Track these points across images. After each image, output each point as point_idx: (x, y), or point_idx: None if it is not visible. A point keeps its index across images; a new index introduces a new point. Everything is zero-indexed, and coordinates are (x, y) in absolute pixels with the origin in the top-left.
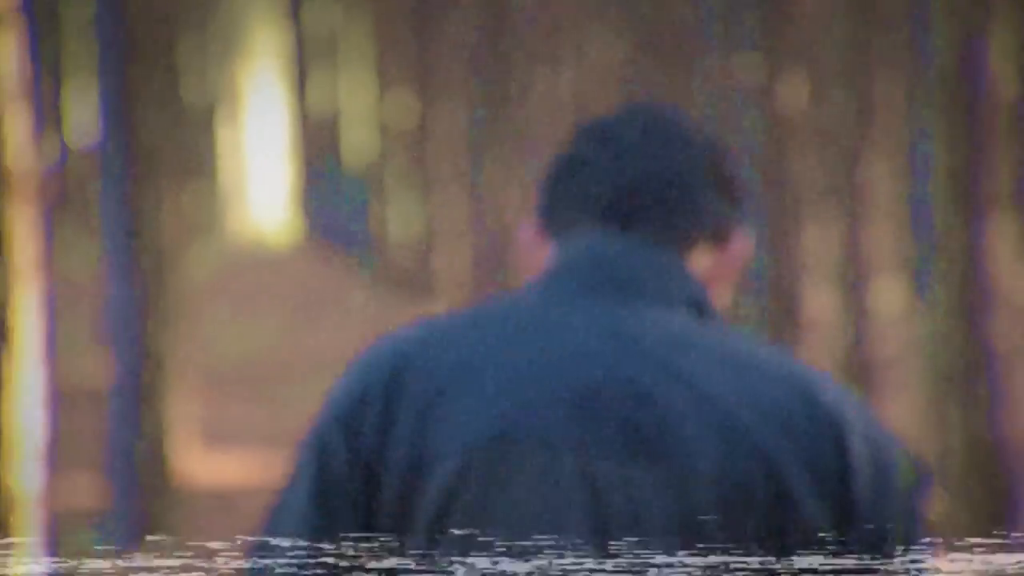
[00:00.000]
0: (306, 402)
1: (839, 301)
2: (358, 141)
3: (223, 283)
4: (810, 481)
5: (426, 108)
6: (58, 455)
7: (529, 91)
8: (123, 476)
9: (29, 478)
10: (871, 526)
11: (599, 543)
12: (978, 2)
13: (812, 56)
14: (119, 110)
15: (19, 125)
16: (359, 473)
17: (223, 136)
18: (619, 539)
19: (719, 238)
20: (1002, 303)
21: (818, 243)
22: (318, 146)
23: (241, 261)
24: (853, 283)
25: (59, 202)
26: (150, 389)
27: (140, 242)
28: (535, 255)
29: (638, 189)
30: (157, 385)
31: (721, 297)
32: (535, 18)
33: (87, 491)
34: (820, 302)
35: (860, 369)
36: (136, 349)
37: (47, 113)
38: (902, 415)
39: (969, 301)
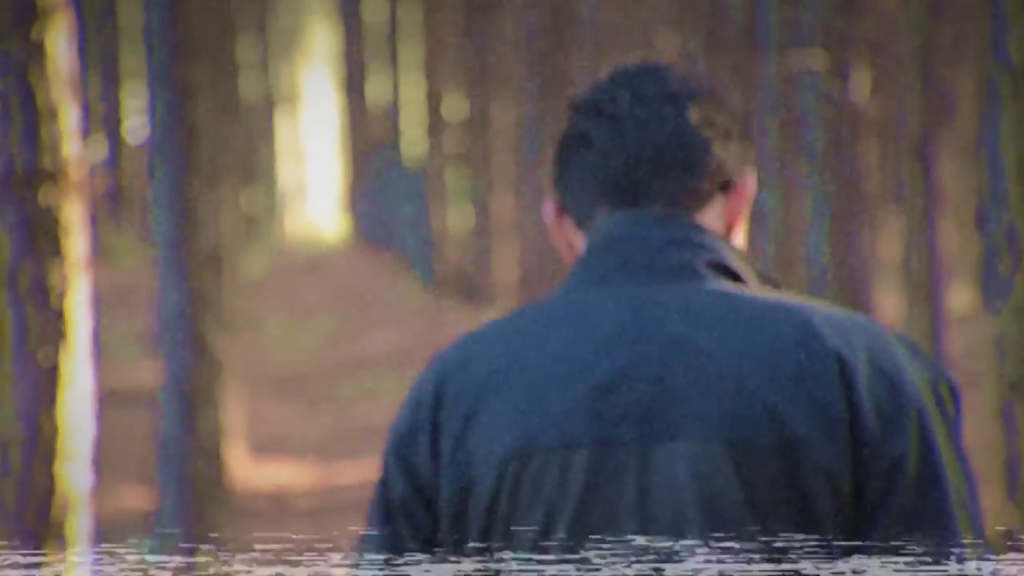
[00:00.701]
0: (358, 404)
1: (909, 302)
2: (413, 140)
3: (276, 283)
4: (819, 425)
5: (482, 105)
6: (109, 458)
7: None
8: (174, 480)
9: (81, 481)
10: (885, 464)
11: (622, 527)
12: None
13: (880, 49)
14: (171, 107)
15: (70, 120)
16: (420, 501)
17: (279, 134)
18: (655, 518)
19: (727, 187)
20: None
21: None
22: (373, 145)
23: (295, 261)
24: (923, 284)
25: (112, 200)
26: (201, 391)
27: (192, 242)
28: (561, 234)
29: (640, 162)
30: (208, 387)
31: (738, 239)
32: (595, 14)
33: (138, 495)
34: (890, 303)
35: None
36: (187, 350)
37: (101, 109)
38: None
39: None
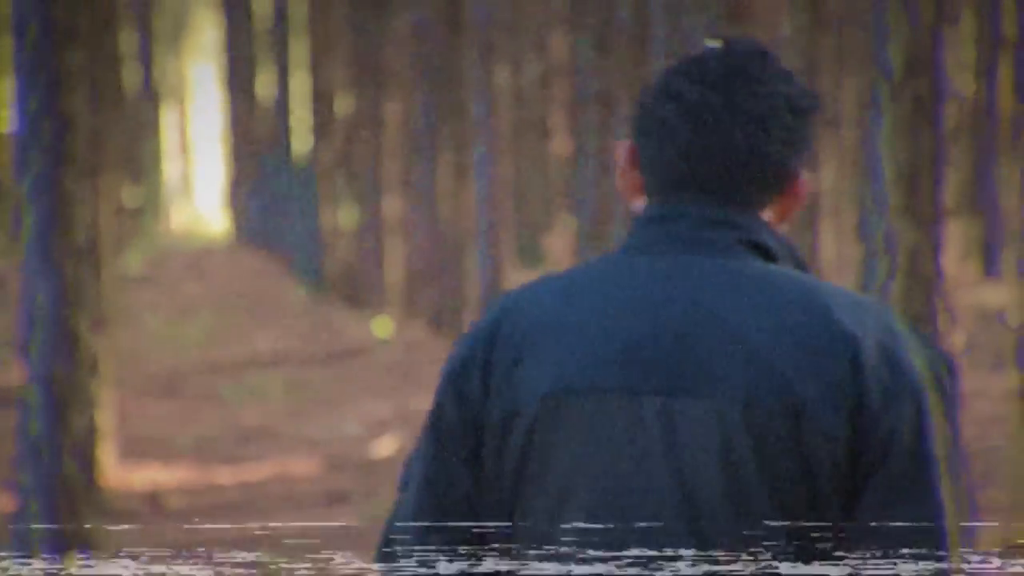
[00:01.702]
0: (239, 404)
1: None
2: (301, 137)
3: (157, 280)
4: (826, 395)
5: (371, 104)
6: None
7: (481, 86)
8: (43, 482)
9: None
10: (882, 433)
11: (650, 470)
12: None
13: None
14: (45, 98)
15: None
16: (466, 424)
17: (164, 129)
18: (680, 466)
19: (784, 189)
20: None
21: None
22: (260, 142)
23: (178, 258)
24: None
25: None
26: (74, 390)
27: (66, 236)
28: (627, 180)
29: (718, 165)
30: (81, 386)
31: (782, 226)
32: (487, 12)
33: (5, 498)
34: None
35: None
36: (58, 348)
37: None
38: None
39: None
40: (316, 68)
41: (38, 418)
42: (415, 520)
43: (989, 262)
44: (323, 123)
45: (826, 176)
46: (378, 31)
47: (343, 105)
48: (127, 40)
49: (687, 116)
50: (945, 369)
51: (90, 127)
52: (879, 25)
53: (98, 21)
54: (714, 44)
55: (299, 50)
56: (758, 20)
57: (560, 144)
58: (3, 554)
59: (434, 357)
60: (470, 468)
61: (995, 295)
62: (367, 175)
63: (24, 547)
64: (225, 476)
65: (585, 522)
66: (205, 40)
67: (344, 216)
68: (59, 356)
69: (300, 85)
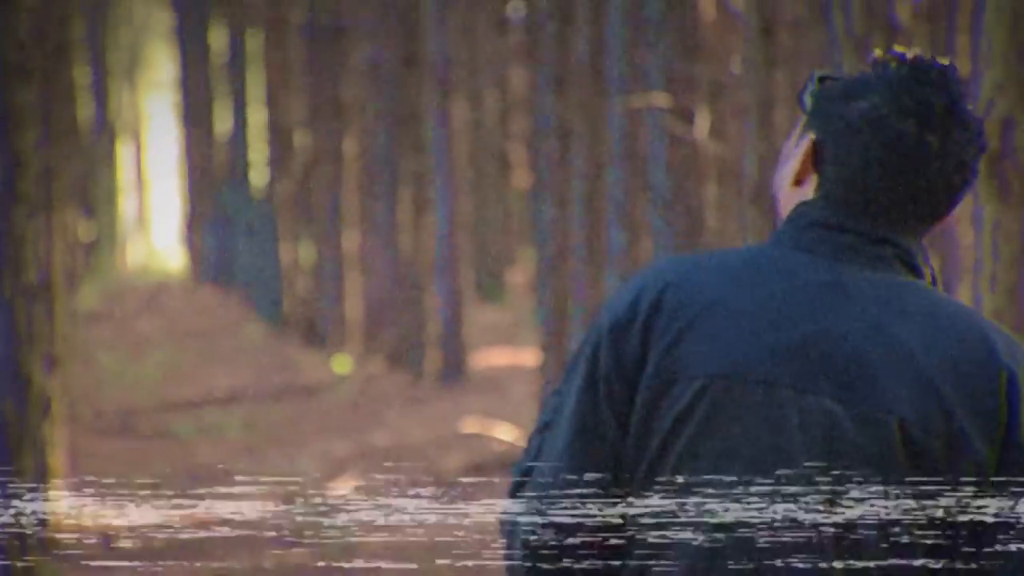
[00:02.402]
0: (195, 442)
1: None
2: (258, 172)
3: (112, 316)
4: (978, 423)
5: (329, 138)
6: None
7: (439, 121)
8: None
9: None
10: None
11: (804, 465)
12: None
13: (721, 91)
14: None
15: None
16: (621, 377)
17: (120, 163)
18: (821, 463)
19: (949, 211)
20: None
21: None
22: (217, 176)
23: (133, 294)
24: None
25: None
26: (26, 428)
27: (17, 272)
28: (800, 169)
29: (908, 196)
30: (34, 424)
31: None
32: (445, 48)
33: None
34: None
35: None
36: (9, 386)
37: None
38: None
39: None
40: (273, 103)
41: None
42: (567, 459)
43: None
44: (281, 158)
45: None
46: (335, 65)
47: (301, 140)
48: (81, 74)
49: (901, 153)
50: None
51: (43, 163)
52: (833, 63)
53: (50, 56)
54: (922, 64)
55: (255, 85)
56: (711, 57)
57: (520, 178)
58: None
59: (392, 393)
60: (618, 419)
61: None
62: (326, 210)
63: None
64: (179, 516)
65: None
66: (160, 74)
67: (303, 252)
68: (10, 395)
69: (257, 120)
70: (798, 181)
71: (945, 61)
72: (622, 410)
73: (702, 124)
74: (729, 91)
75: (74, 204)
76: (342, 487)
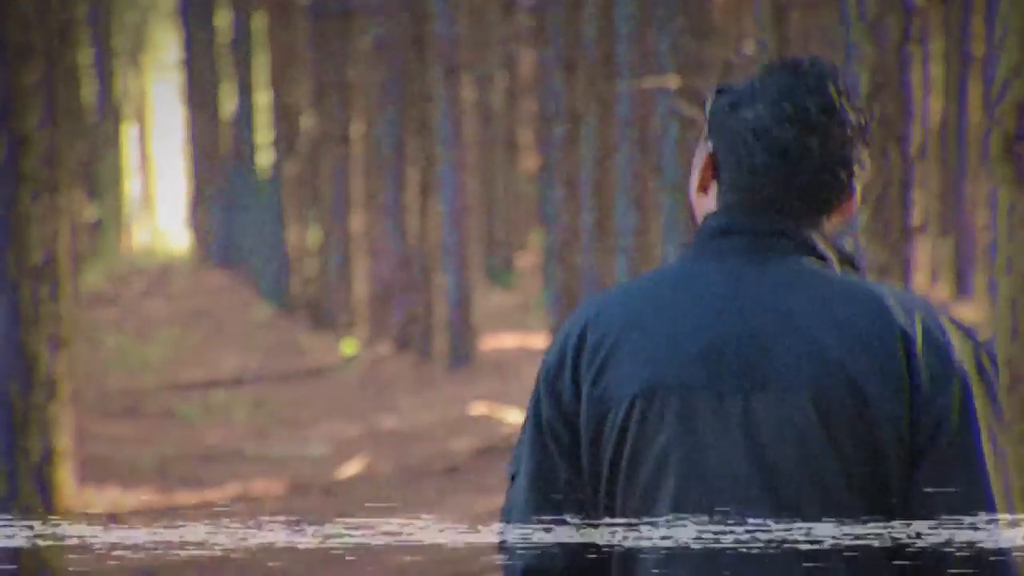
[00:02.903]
0: (201, 425)
1: None
2: (265, 154)
3: (118, 298)
4: (884, 385)
5: (335, 120)
6: None
7: (447, 103)
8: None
9: None
10: (933, 415)
11: (734, 455)
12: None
13: (732, 72)
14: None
15: None
16: (562, 420)
17: (126, 144)
18: (752, 445)
19: (842, 201)
20: None
21: None
22: (223, 158)
23: (139, 275)
24: None
25: None
26: (31, 410)
27: (22, 254)
28: (702, 182)
29: (793, 188)
30: (39, 405)
31: (835, 228)
32: (453, 29)
33: None
34: None
35: None
36: (14, 367)
37: None
38: None
39: None
40: (279, 84)
41: None
42: (526, 509)
43: (961, 281)
44: (287, 139)
45: None
46: (342, 46)
47: (307, 121)
48: (85, 55)
49: (783, 158)
50: (986, 357)
51: (47, 144)
52: (845, 44)
53: (54, 38)
54: (800, 69)
55: (261, 66)
56: (722, 38)
57: (528, 160)
58: None
59: (400, 376)
60: (568, 460)
61: (967, 314)
62: (332, 192)
63: None
64: (186, 498)
65: (672, 510)
66: (166, 56)
67: (309, 233)
68: (16, 377)
69: (263, 101)
70: (702, 188)
71: (826, 62)
72: (570, 451)
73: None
74: (740, 72)
75: (79, 185)
76: (350, 469)
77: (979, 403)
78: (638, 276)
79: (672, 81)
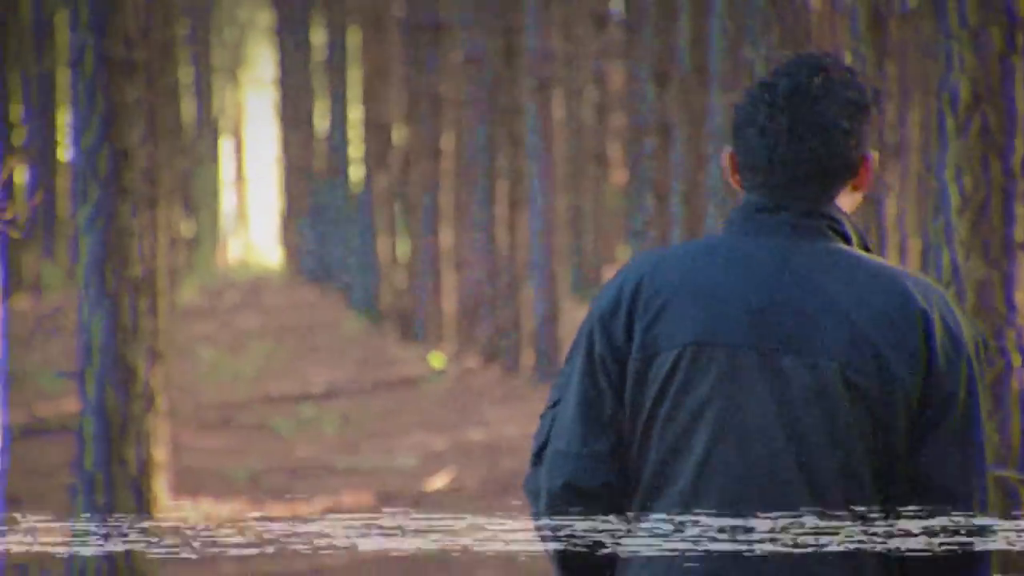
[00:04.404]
0: (293, 438)
1: None
2: (357, 168)
3: (213, 311)
4: (903, 359)
5: (426, 135)
6: (31, 491)
7: (537, 117)
8: (95, 514)
9: None
10: (945, 392)
11: (766, 410)
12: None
13: None
14: (101, 129)
15: None
16: (612, 356)
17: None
18: (783, 403)
19: (856, 172)
20: None
21: None
22: (317, 173)
23: (233, 289)
24: None
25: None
26: (129, 422)
27: (121, 268)
28: (733, 179)
29: (801, 167)
30: (136, 417)
31: (857, 202)
32: (544, 43)
33: (58, 530)
34: None
35: None
36: (113, 380)
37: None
38: None
39: None
40: (371, 99)
41: (93, 450)
42: (573, 426)
43: None
44: (378, 154)
45: (889, 206)
46: (434, 61)
47: (399, 135)
48: (184, 73)
49: (762, 136)
50: (982, 343)
51: (147, 159)
52: (945, 54)
53: (155, 54)
54: (789, 58)
55: (354, 81)
56: (820, 49)
57: (617, 174)
58: None
59: (488, 389)
60: (613, 392)
61: None
62: (423, 206)
63: None
64: (277, 509)
65: (705, 453)
66: (262, 72)
67: (399, 247)
68: (114, 388)
69: (355, 116)
70: (737, 186)
71: (822, 52)
72: (616, 383)
73: None
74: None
75: (177, 200)
76: (438, 481)
77: (977, 381)
78: (691, 240)
79: None
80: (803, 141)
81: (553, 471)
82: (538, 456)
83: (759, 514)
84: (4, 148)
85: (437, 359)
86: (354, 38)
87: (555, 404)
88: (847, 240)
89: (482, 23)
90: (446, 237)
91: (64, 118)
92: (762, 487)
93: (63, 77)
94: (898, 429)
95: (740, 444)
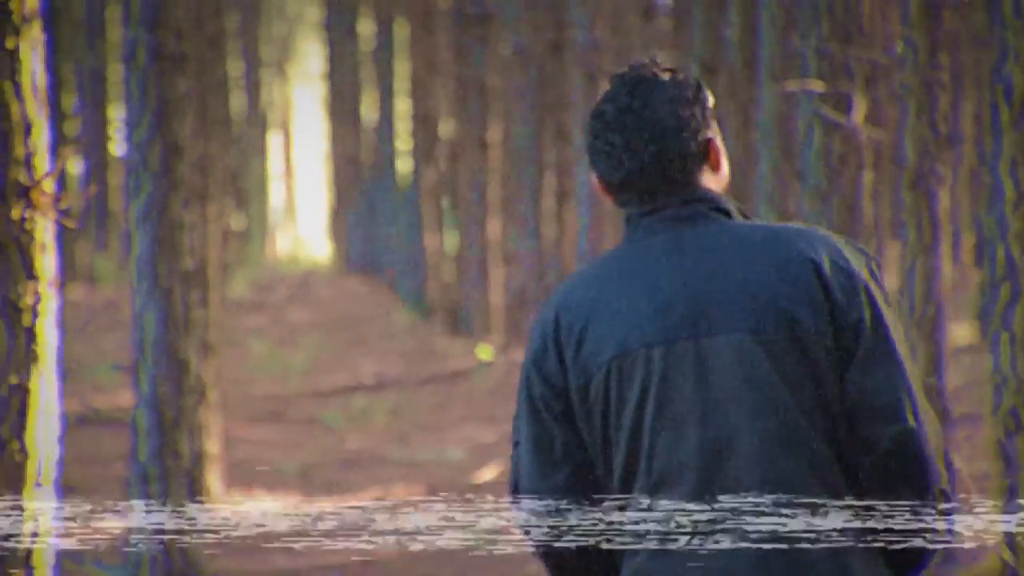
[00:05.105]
0: (343, 430)
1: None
2: (405, 161)
3: (262, 304)
4: (808, 306)
5: (473, 128)
6: (85, 481)
7: (585, 109)
8: (147, 505)
9: (47, 504)
10: (851, 321)
11: (697, 395)
12: None
13: (879, 76)
14: (153, 123)
15: (45, 135)
16: (553, 394)
17: (270, 152)
18: (711, 384)
19: (705, 156)
20: None
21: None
22: (365, 166)
23: (282, 282)
24: (922, 316)
25: (97, 220)
26: (181, 414)
27: (173, 261)
28: (608, 200)
29: (648, 162)
30: (189, 410)
31: (724, 179)
32: (591, 36)
33: (112, 519)
34: None
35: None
36: (165, 372)
37: (79, 124)
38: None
39: None
40: (419, 91)
41: (147, 442)
42: (531, 470)
43: None
44: (426, 147)
45: (943, 198)
46: (481, 53)
47: (446, 128)
48: (234, 66)
49: (608, 158)
50: (875, 264)
51: (198, 153)
52: (999, 44)
53: (205, 47)
54: (615, 80)
55: (402, 74)
56: (870, 40)
57: None
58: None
59: None
60: (561, 426)
61: None
62: (470, 199)
63: (134, 569)
64: (328, 502)
65: (654, 444)
66: (310, 66)
67: (447, 240)
68: (168, 381)
69: (403, 109)
70: (613, 202)
71: (637, 61)
72: (564, 418)
73: (858, 109)
74: (887, 74)
75: (227, 193)
76: (487, 473)
77: (879, 301)
78: (594, 260)
79: (816, 85)
80: (642, 148)
81: (529, 511)
82: (514, 495)
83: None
84: (57, 138)
85: (485, 352)
86: (402, 31)
87: (516, 445)
88: (728, 215)
89: (530, 15)
90: (494, 230)
91: (115, 113)
92: (721, 464)
93: (114, 72)
94: (821, 368)
95: (683, 432)
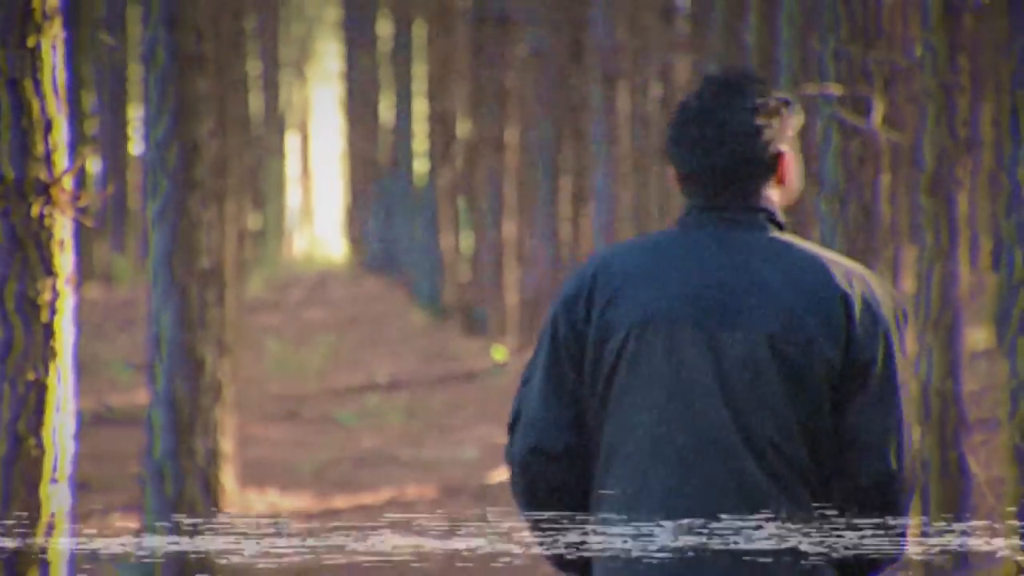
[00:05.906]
0: (358, 429)
1: (922, 338)
2: (422, 162)
3: (278, 304)
4: (826, 332)
5: (492, 128)
6: (99, 479)
7: (602, 111)
8: (164, 503)
9: (63, 501)
10: (864, 360)
11: (705, 377)
12: None
13: (897, 79)
14: (171, 122)
15: (64, 133)
16: (574, 338)
17: (287, 152)
18: (719, 371)
19: (773, 167)
20: None
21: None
22: (381, 166)
23: (298, 282)
24: (939, 320)
25: (114, 218)
26: (197, 412)
27: (190, 260)
28: (675, 187)
29: (724, 170)
30: (205, 408)
31: (791, 195)
32: (609, 37)
33: (126, 517)
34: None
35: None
36: (181, 371)
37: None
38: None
39: None
40: (436, 92)
41: (161, 440)
42: (540, 397)
43: None
44: (443, 147)
45: (961, 202)
46: (499, 55)
47: (463, 129)
48: (253, 66)
49: (684, 150)
50: (902, 314)
51: (216, 152)
52: (1019, 48)
53: (224, 48)
54: (704, 80)
55: (420, 75)
56: (889, 43)
57: None
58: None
59: None
60: (574, 368)
61: None
62: (486, 199)
63: (147, 568)
64: (342, 501)
65: (659, 415)
66: (328, 66)
67: (463, 241)
68: (183, 379)
69: (420, 109)
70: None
71: (728, 68)
72: (577, 361)
73: (877, 113)
74: (906, 78)
75: (244, 193)
76: (501, 474)
77: (895, 350)
78: (645, 234)
79: (834, 88)
80: (714, 146)
81: (522, 437)
82: (512, 427)
83: (716, 523)
84: (76, 137)
85: (500, 352)
86: (420, 32)
87: (526, 381)
88: (781, 229)
89: (548, 17)
90: (510, 231)
91: (134, 113)
92: (708, 443)
93: (133, 72)
94: (822, 394)
95: (686, 408)
